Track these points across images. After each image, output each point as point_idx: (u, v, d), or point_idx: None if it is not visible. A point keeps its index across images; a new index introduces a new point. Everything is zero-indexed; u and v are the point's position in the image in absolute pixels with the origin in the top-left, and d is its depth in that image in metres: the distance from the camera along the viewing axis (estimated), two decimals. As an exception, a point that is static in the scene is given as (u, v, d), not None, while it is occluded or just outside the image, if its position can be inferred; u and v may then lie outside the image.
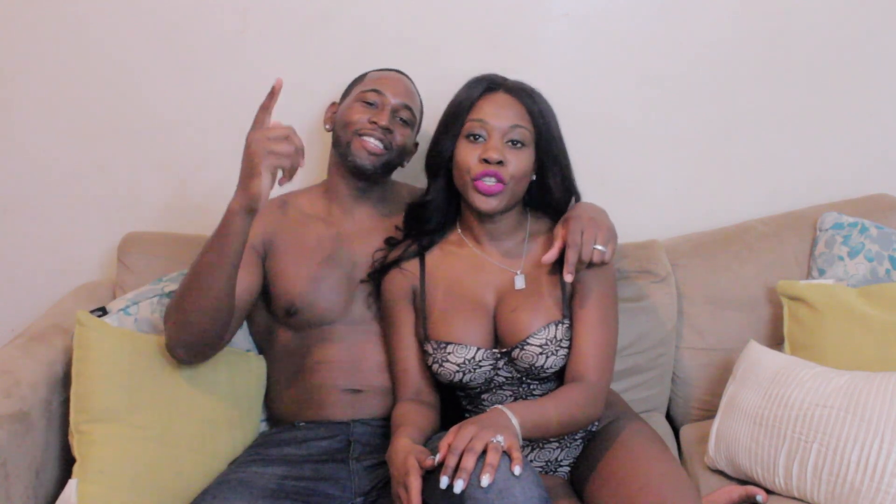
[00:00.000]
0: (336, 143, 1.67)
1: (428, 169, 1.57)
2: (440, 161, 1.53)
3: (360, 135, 1.62)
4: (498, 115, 1.48)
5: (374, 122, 1.61)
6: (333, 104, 1.74)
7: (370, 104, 1.64)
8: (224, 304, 1.42)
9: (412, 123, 1.69)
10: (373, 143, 1.61)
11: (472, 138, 1.48)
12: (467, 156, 1.48)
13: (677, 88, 1.93)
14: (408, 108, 1.67)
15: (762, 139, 1.96)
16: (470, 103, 1.50)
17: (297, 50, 1.89)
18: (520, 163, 1.48)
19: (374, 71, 1.72)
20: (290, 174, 1.33)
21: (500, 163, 1.45)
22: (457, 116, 1.51)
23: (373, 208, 1.70)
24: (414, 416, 1.48)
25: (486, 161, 1.45)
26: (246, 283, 1.55)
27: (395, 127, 1.64)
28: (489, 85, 1.51)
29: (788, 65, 1.92)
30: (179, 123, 1.94)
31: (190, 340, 1.46)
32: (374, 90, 1.65)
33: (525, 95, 1.50)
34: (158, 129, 1.94)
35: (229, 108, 1.92)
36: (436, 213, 1.58)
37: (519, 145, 1.48)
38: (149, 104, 1.93)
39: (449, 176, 1.54)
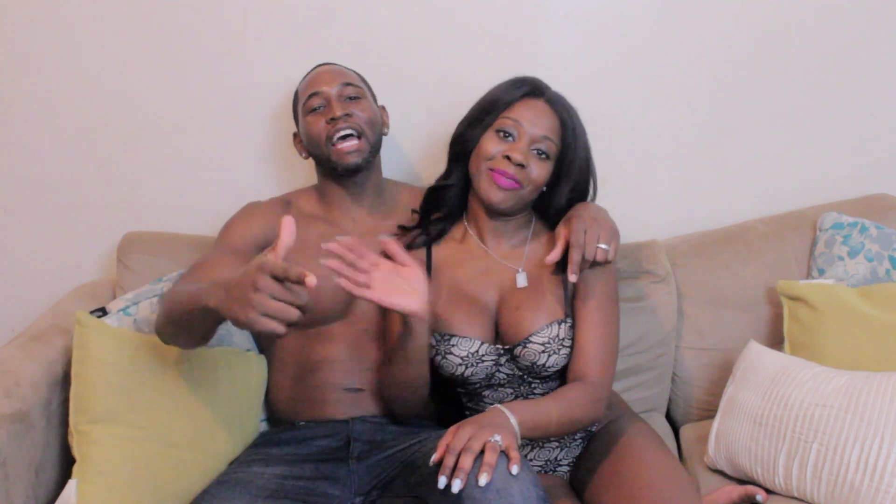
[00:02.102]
0: (319, 162, 1.67)
1: (451, 154, 1.57)
2: (464, 148, 1.53)
3: (331, 141, 1.61)
4: (533, 122, 1.48)
5: (333, 120, 1.61)
6: (295, 135, 1.73)
7: (317, 109, 1.63)
8: (204, 334, 1.39)
9: (363, 95, 1.67)
10: (346, 143, 1.60)
11: (501, 134, 1.49)
12: (491, 147, 1.48)
13: (677, 88, 1.93)
14: (348, 84, 1.65)
15: (762, 139, 1.96)
16: (509, 100, 1.50)
17: (297, 50, 1.89)
18: (539, 172, 1.48)
19: (300, 83, 1.72)
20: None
21: (521, 165, 1.46)
22: (490, 110, 1.51)
23: (370, 208, 1.70)
24: None
25: (508, 158, 1.46)
26: (234, 269, 1.54)
27: (350, 109, 1.63)
28: (532, 89, 1.51)
29: (788, 65, 1.92)
30: (179, 123, 1.94)
31: (180, 347, 1.47)
32: (311, 94, 1.64)
33: (564, 110, 1.51)
34: (158, 129, 1.94)
35: (229, 108, 1.93)
36: (453, 198, 1.58)
37: (543, 156, 1.49)
38: (149, 104, 1.93)
39: (469, 162, 1.53)
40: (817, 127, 1.95)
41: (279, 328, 1.12)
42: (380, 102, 1.75)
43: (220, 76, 1.91)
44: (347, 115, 1.61)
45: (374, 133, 1.66)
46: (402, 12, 1.88)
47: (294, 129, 1.74)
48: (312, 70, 1.72)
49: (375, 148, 1.67)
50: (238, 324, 1.14)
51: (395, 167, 1.85)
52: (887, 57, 1.92)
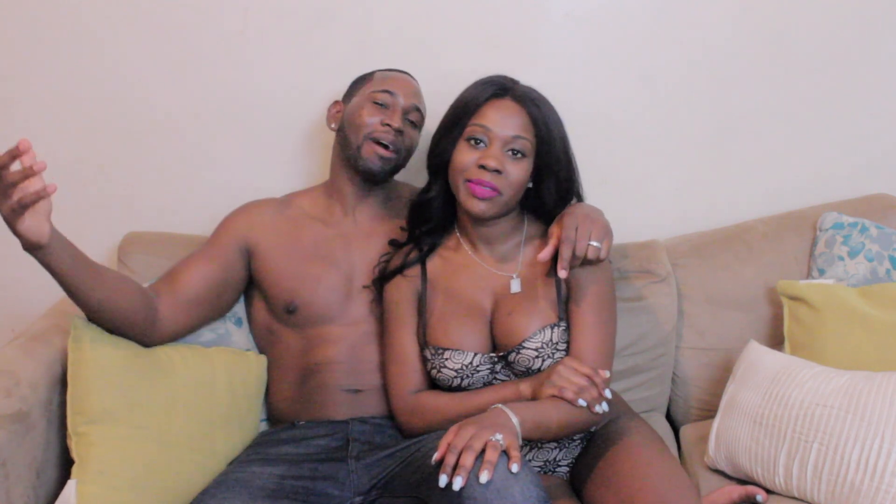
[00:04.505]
0: (344, 145, 1.67)
1: (429, 167, 1.57)
2: (441, 160, 1.52)
3: (373, 138, 1.62)
4: (502, 123, 1.46)
5: (388, 125, 1.62)
6: (337, 102, 1.73)
7: (381, 105, 1.64)
8: (112, 304, 1.44)
9: (419, 125, 1.70)
10: (384, 147, 1.62)
11: (472, 142, 1.47)
12: (465, 158, 1.46)
13: (678, 88, 1.93)
14: (417, 109, 1.68)
15: (762, 139, 1.96)
16: (475, 106, 1.48)
17: (297, 50, 1.89)
18: (518, 173, 1.46)
19: (380, 71, 1.72)
20: (32, 199, 1.20)
21: (497, 171, 1.45)
22: (460, 118, 1.49)
23: (374, 210, 1.70)
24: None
25: (482, 167, 1.45)
26: (202, 272, 1.60)
27: (405, 128, 1.64)
28: (497, 90, 1.49)
29: (788, 64, 1.92)
30: (179, 123, 1.94)
31: (107, 327, 1.49)
32: (386, 91, 1.65)
33: (531, 104, 1.48)
34: (158, 129, 1.94)
35: (229, 108, 1.93)
36: (437, 211, 1.58)
37: (519, 155, 1.47)
38: (149, 104, 1.93)
39: (448, 175, 1.53)
40: (817, 127, 1.95)
41: (28, 224, 1.22)
42: None
43: (220, 76, 1.91)
44: (400, 132, 1.63)
45: (404, 160, 1.68)
46: (402, 12, 1.88)
47: (338, 97, 1.74)
48: (399, 71, 1.72)
49: (396, 170, 1.68)
50: (11, 227, 1.24)
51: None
52: (887, 57, 1.92)
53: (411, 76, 1.74)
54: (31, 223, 1.24)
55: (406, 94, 1.66)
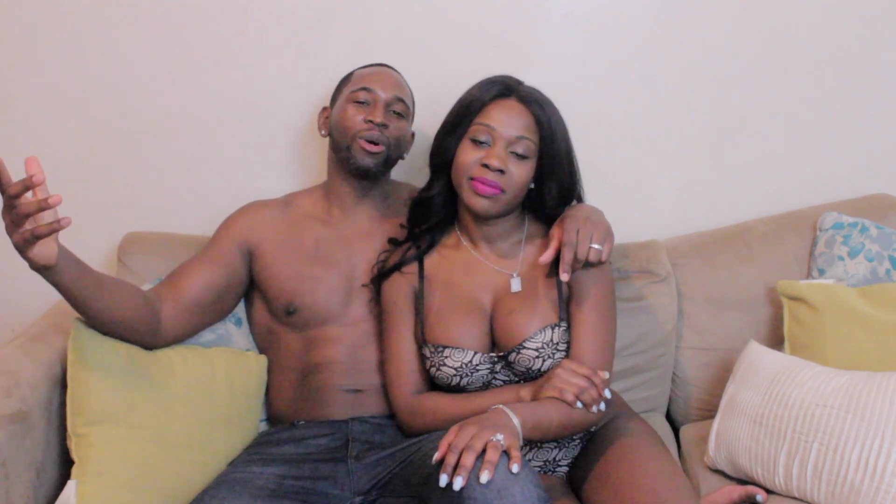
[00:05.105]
0: (335, 148, 1.68)
1: (432, 165, 1.57)
2: (444, 158, 1.53)
3: (359, 136, 1.62)
4: (506, 123, 1.46)
5: (370, 121, 1.62)
6: (325, 109, 1.74)
7: (362, 103, 1.64)
8: (116, 314, 1.44)
9: (406, 115, 1.69)
10: (371, 142, 1.62)
11: (476, 142, 1.47)
12: (468, 156, 1.47)
13: (677, 88, 1.93)
14: (400, 100, 1.67)
15: (762, 139, 1.96)
16: (480, 105, 1.48)
17: (297, 50, 1.89)
18: (520, 173, 1.47)
19: (359, 69, 1.72)
20: (45, 231, 1.20)
21: (500, 171, 1.45)
22: (464, 117, 1.49)
23: (373, 209, 1.71)
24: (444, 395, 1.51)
25: (485, 166, 1.45)
26: (205, 277, 1.60)
27: (390, 121, 1.64)
28: (502, 90, 1.49)
29: (788, 64, 1.92)
30: (179, 123, 1.94)
31: (110, 334, 1.48)
32: (364, 88, 1.65)
33: (536, 105, 1.48)
34: (158, 128, 1.94)
35: (229, 108, 1.93)
36: (438, 209, 1.58)
37: (522, 156, 1.47)
38: (148, 104, 1.93)
39: (451, 173, 1.53)
40: (817, 127, 1.95)
41: (37, 251, 1.22)
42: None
43: (220, 76, 1.91)
44: (384, 125, 1.62)
45: (397, 151, 1.68)
46: (402, 12, 1.88)
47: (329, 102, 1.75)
48: (376, 65, 1.73)
49: (390, 164, 1.68)
50: (20, 253, 1.23)
51: (396, 167, 1.84)
52: (887, 57, 1.92)
53: (390, 67, 1.73)
54: (41, 249, 1.24)
55: (385, 87, 1.66)
